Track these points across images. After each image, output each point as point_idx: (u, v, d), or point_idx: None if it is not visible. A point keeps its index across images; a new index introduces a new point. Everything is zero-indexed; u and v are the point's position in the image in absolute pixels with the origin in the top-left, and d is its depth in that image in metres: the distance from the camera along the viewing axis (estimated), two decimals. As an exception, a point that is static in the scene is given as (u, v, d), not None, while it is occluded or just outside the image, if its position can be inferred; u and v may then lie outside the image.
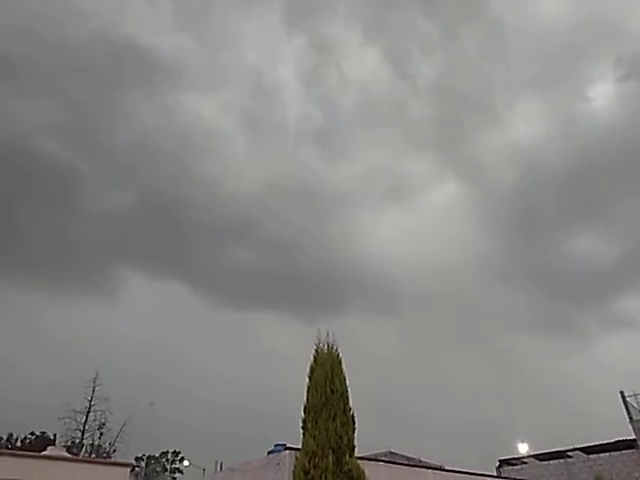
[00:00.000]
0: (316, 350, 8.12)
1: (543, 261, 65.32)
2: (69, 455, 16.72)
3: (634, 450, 19.51)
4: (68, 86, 57.99)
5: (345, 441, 7.31)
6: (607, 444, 20.42)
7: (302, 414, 7.69)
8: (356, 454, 7.53)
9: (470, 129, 67.74)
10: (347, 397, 7.78)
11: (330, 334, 8.24)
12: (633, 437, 19.46)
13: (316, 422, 7.36)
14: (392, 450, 26.50)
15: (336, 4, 64.80)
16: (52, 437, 38.38)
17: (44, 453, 14.03)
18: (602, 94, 63.33)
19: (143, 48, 59.59)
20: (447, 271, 64.66)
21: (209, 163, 67.50)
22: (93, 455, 31.33)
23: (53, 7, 56.01)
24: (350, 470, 7.17)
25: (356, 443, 7.57)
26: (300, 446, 7.49)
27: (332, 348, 8.12)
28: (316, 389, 7.62)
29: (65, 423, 31.70)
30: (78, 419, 32.24)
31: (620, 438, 20.07)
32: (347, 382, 7.94)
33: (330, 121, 71.15)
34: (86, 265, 60.48)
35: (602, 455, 20.63)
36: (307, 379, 7.90)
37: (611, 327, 64.63)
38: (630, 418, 19.59)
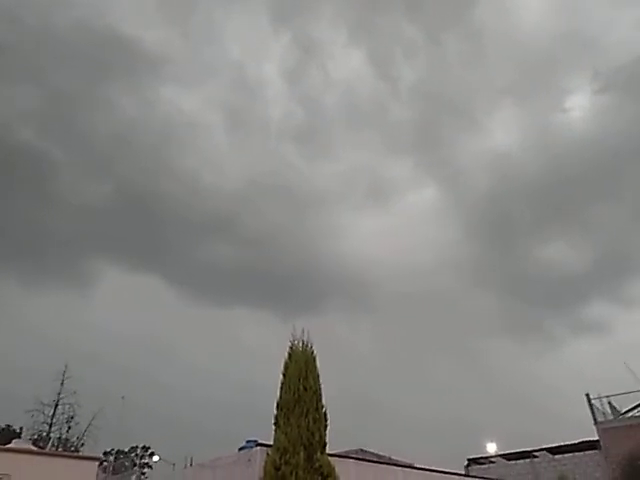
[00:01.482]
0: (291, 347, 8.13)
1: (515, 266, 66.60)
2: (35, 448, 16.38)
3: (597, 451, 20.08)
4: (48, 74, 56.58)
5: (317, 438, 7.35)
6: (572, 445, 20.97)
7: (275, 410, 7.70)
8: (327, 451, 7.57)
9: (449, 134, 68.57)
10: (320, 394, 7.81)
11: (305, 332, 8.26)
12: (596, 438, 20.04)
13: (288, 419, 7.37)
14: (363, 448, 26.66)
15: (323, 5, 64.76)
16: (18, 430, 37.50)
17: (9, 446, 13.71)
18: (579, 105, 64.85)
19: (127, 39, 58.50)
20: (423, 273, 65.39)
21: (189, 157, 66.71)
22: (60, 449, 30.73)
23: (33, -10, 54.58)
24: (321, 467, 7.21)
25: (327, 440, 7.61)
26: (272, 442, 7.50)
27: (307, 346, 8.14)
28: (289, 386, 7.64)
29: (32, 416, 31.01)
30: (46, 412, 31.58)
31: (584, 439, 20.65)
32: (321, 380, 7.97)
33: (312, 120, 71.09)
34: (61, 256, 59.21)
35: (567, 455, 21.18)
36: (281, 376, 7.91)
37: (580, 332, 66.28)
38: (594, 420, 20.16)
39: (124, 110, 61.32)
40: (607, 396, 20.77)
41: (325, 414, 7.73)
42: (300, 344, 8.12)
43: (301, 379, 7.64)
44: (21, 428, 35.78)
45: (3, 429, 42.56)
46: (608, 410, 20.87)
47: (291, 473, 6.95)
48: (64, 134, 59.29)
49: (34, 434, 30.68)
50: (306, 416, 7.36)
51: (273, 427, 7.63)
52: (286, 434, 7.23)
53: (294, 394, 7.52)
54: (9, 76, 55.30)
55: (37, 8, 54.18)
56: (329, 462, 7.40)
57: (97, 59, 59.23)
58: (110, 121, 60.76)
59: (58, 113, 58.02)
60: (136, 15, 62.28)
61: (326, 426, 7.66)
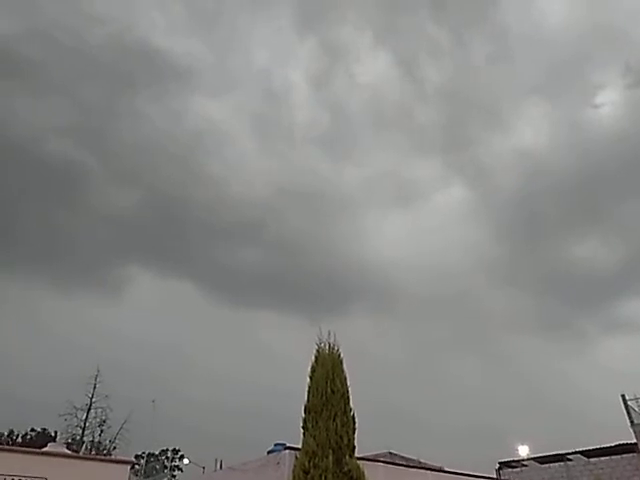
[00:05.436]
0: (317, 350, 8.12)
1: (546, 265, 65.27)
2: (69, 452, 16.75)
3: (635, 454, 19.43)
4: (80, 88, 58.40)
5: (345, 441, 7.31)
6: (608, 448, 20.35)
7: (302, 414, 7.69)
8: (356, 454, 7.52)
9: (476, 134, 67.76)
10: (348, 397, 7.77)
11: (332, 334, 8.24)
12: (634, 441, 19.40)
13: (316, 422, 7.35)
14: (392, 451, 26.44)
15: (346, 8, 64.80)
16: (53, 434, 38.46)
17: (44, 449, 14.05)
18: (610, 101, 63.20)
19: (154, 51, 59.86)
20: (451, 274, 64.71)
21: (216, 165, 67.61)
22: (93, 452, 31.38)
23: (69, 11, 56.41)
24: (350, 470, 7.16)
25: (356, 443, 7.56)
26: (300, 446, 7.48)
27: (333, 348, 8.12)
28: (317, 389, 7.61)
29: (66, 420, 31.80)
30: (79, 416, 32.33)
31: (621, 442, 20.01)
32: (348, 382, 7.93)
33: (338, 125, 71.17)
34: (90, 263, 60.78)
35: (603, 459, 20.56)
36: (308, 379, 7.90)
37: (613, 330, 64.54)
38: (631, 422, 19.52)
39: (153, 121, 62.69)
40: (644, 397, 20.12)
41: (353, 417, 7.68)
42: (327, 347, 8.09)
43: (328, 382, 7.61)
44: (56, 432, 36.72)
45: (39, 433, 43.72)
46: (645, 412, 20.21)
47: (320, 476, 6.92)
48: (96, 146, 61.07)
49: (68, 438, 31.48)
50: (334, 419, 7.33)
51: (301, 430, 7.62)
52: (314, 437, 7.20)
53: (322, 397, 7.50)
54: (44, 91, 57.34)
55: (70, 26, 56.08)
56: (358, 466, 7.34)
57: (127, 72, 60.83)
58: (140, 132, 62.24)
59: (90, 126, 59.77)
60: (164, 27, 63.71)
61: (354, 429, 7.61)
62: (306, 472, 6.99)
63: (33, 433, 44.62)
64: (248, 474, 13.17)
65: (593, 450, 20.74)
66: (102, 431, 33.25)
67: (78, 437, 32.24)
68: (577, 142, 60.97)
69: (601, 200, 60.65)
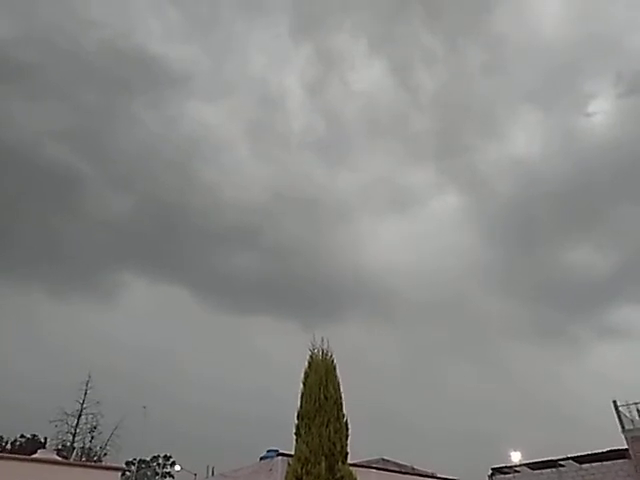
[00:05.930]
0: (310, 356, 8.10)
1: (540, 271, 65.65)
2: (59, 458, 16.58)
3: (626, 460, 19.51)
4: (76, 93, 58.38)
5: (338, 448, 7.29)
6: (600, 453, 20.41)
7: (295, 420, 7.66)
8: (349, 461, 7.50)
9: (470, 141, 68.32)
10: (341, 404, 7.75)
11: (325, 340, 8.23)
12: (625, 447, 19.48)
13: (309, 428, 7.33)
14: (384, 457, 26.37)
15: (342, 16, 65.29)
16: (43, 440, 38.06)
17: (34, 456, 13.92)
18: (602, 109, 64.04)
19: (150, 57, 59.89)
20: (445, 280, 64.99)
21: (211, 170, 67.58)
22: (84, 458, 31.08)
23: (66, 16, 56.40)
24: (342, 477, 7.14)
25: (349, 450, 7.54)
26: (293, 452, 7.46)
27: (327, 354, 8.10)
28: (310, 395, 7.59)
29: (56, 426, 31.46)
30: (69, 422, 31.99)
31: (613, 448, 20.09)
32: (341, 389, 7.91)
33: (333, 131, 71.45)
34: (86, 268, 60.50)
35: (594, 464, 20.61)
36: (301, 385, 7.88)
37: (605, 336, 64.98)
38: (622, 428, 19.62)
39: (148, 126, 62.67)
40: (635, 403, 20.22)
41: (346, 423, 7.66)
42: (320, 353, 8.08)
43: (321, 388, 7.59)
44: (46, 438, 36.36)
45: (28, 439, 43.24)
46: (637, 417, 20.31)
47: (313, 483, 6.89)
48: (91, 151, 61.05)
49: (58, 444, 31.15)
50: (327, 425, 7.31)
51: (294, 437, 7.59)
52: (307, 444, 7.18)
53: (315, 403, 7.48)
54: (39, 95, 57.25)
55: (67, 31, 56.13)
56: (351, 472, 7.32)
57: (123, 77, 60.90)
58: (135, 137, 62.20)
59: (85, 131, 59.69)
60: (160, 33, 63.85)
61: (347, 436, 7.59)
62: (299, 478, 6.96)
63: (23, 439, 44.09)
64: (240, 481, 13.10)
65: (585, 456, 20.78)
66: (93, 437, 32.92)
67: (68, 443, 31.90)
68: (570, 150, 61.71)
69: (594, 206, 61.34)
